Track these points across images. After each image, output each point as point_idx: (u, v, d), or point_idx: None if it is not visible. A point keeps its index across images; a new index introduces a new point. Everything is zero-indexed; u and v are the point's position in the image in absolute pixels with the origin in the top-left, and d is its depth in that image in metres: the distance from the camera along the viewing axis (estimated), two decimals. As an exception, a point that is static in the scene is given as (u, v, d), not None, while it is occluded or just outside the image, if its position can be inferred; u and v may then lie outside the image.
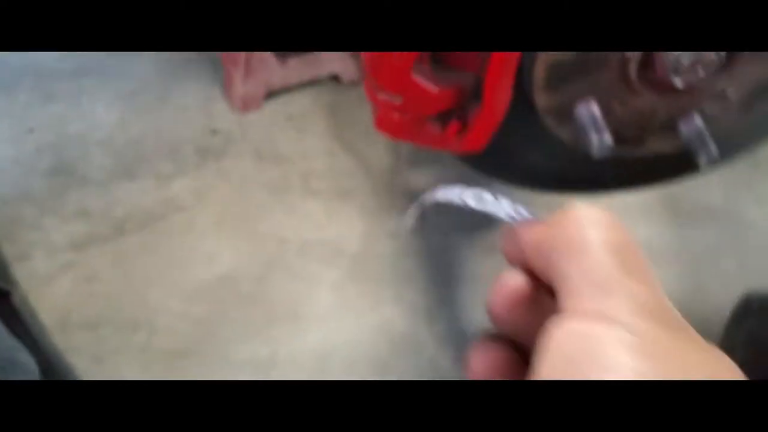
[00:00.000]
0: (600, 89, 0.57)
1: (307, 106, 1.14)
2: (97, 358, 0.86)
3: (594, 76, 0.56)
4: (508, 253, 0.24)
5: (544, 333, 0.20)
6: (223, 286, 0.94)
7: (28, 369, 0.60)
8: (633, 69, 0.56)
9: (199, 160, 1.06)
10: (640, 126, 0.60)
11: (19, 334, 0.62)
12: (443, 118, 0.57)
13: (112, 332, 0.88)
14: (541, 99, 0.56)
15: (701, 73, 0.55)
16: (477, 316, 0.95)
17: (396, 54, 0.50)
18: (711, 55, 0.55)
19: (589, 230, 0.21)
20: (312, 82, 1.16)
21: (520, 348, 0.24)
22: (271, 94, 1.13)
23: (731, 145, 0.65)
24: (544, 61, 0.55)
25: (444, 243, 1.01)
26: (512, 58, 0.54)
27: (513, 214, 0.25)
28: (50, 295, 0.89)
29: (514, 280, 0.23)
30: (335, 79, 1.17)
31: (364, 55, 0.53)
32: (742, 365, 0.19)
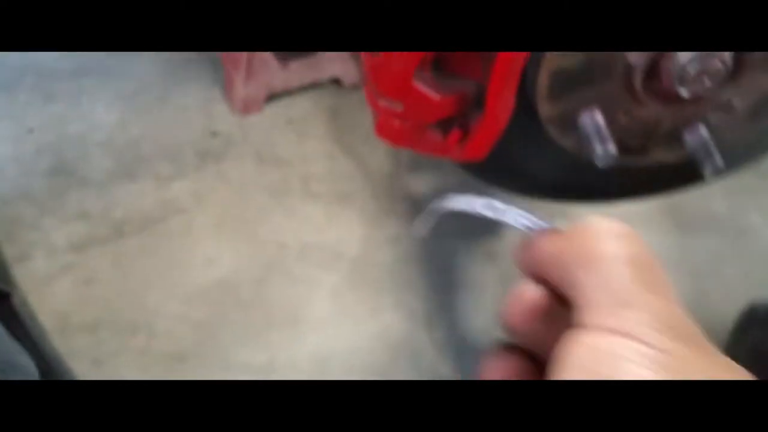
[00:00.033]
0: (604, 98, 0.56)
1: (307, 109, 1.14)
2: (96, 361, 0.85)
3: (598, 85, 0.55)
4: (523, 262, 0.24)
5: (562, 346, 0.19)
6: (222, 290, 0.93)
7: (27, 372, 0.59)
8: (638, 78, 0.55)
9: (199, 162, 1.05)
10: (645, 136, 0.59)
11: (18, 337, 0.62)
12: (444, 125, 0.56)
13: (111, 335, 0.88)
14: (545, 108, 0.56)
15: (707, 83, 0.55)
16: (477, 323, 0.95)
17: (397, 60, 0.50)
18: (717, 65, 0.54)
19: (608, 243, 0.21)
20: (313, 85, 1.15)
21: (534, 358, 0.24)
22: (272, 96, 1.13)
23: (737, 156, 0.64)
24: (548, 69, 0.54)
25: (444, 249, 1.00)
26: (516, 65, 0.53)
27: (527, 223, 0.25)
28: (50, 297, 0.89)
29: (531, 292, 0.23)
30: (336, 82, 1.16)
31: (365, 62, 0.52)
32: None
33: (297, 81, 1.12)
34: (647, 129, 0.59)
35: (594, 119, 0.55)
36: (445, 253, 1.00)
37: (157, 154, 1.05)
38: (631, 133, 0.58)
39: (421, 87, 0.51)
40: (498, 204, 0.26)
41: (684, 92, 0.55)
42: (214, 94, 1.13)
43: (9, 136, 1.04)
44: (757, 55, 0.56)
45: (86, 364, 0.84)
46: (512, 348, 0.24)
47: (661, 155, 0.61)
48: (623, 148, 0.57)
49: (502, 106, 0.54)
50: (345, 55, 1.12)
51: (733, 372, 0.19)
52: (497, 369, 0.24)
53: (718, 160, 0.57)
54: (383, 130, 0.55)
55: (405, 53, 0.49)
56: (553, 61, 0.54)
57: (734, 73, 0.56)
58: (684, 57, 0.54)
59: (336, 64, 1.13)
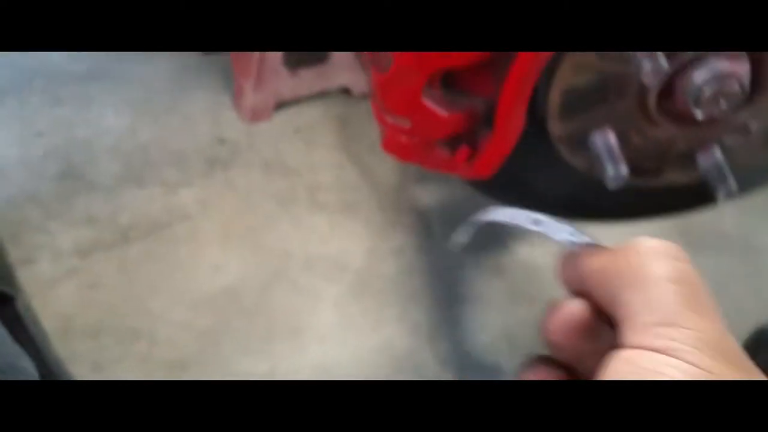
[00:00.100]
0: (617, 118, 0.55)
1: (316, 118, 1.14)
2: (97, 366, 0.85)
3: (611, 104, 0.54)
4: (566, 277, 0.24)
5: (607, 364, 0.19)
6: (225, 297, 0.93)
7: (28, 375, 0.59)
8: (652, 99, 0.54)
9: (207, 169, 1.05)
10: (658, 157, 0.58)
11: (20, 340, 0.62)
12: (453, 142, 0.56)
13: (113, 340, 0.87)
14: (556, 126, 0.55)
15: (723, 105, 0.54)
16: (481, 339, 0.94)
17: (406, 77, 0.49)
18: (734, 87, 0.53)
19: (655, 262, 0.21)
20: (322, 94, 1.15)
21: (571, 371, 0.24)
22: (281, 105, 1.12)
23: (751, 179, 0.63)
24: (559, 87, 0.53)
25: (449, 261, 0.99)
26: (527, 83, 0.52)
27: (571, 238, 0.25)
28: (53, 301, 0.89)
29: (572, 307, 0.23)
30: (346, 91, 1.16)
31: (373, 77, 0.52)
32: None
33: (306, 89, 1.12)
34: (660, 150, 0.58)
35: (606, 139, 0.55)
36: (450, 266, 0.99)
37: (165, 160, 1.04)
38: (644, 153, 0.58)
39: (430, 104, 0.51)
40: (542, 218, 0.26)
41: (699, 114, 0.54)
42: (223, 101, 1.13)
43: (17, 139, 1.04)
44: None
45: (87, 368, 0.84)
46: (549, 360, 0.24)
47: (674, 177, 0.60)
48: (635, 168, 0.56)
49: (512, 124, 0.53)
50: (354, 64, 1.12)
51: None
52: (534, 378, 0.24)
53: (732, 183, 0.56)
54: (390, 145, 0.55)
55: (414, 70, 0.49)
56: (566, 79, 0.53)
57: (751, 95, 0.55)
58: (699, 77, 0.53)
59: (345, 73, 1.13)
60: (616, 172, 0.54)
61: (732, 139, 0.58)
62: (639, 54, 0.48)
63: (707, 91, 0.53)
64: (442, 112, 0.52)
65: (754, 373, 0.19)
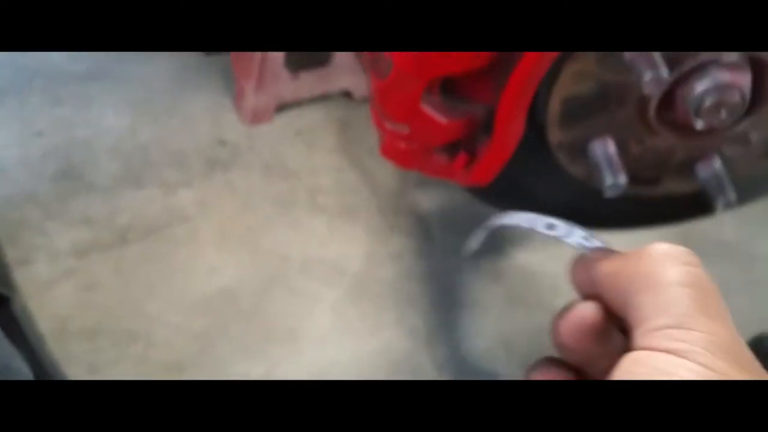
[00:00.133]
0: (617, 127, 0.55)
1: (317, 120, 1.13)
2: (92, 368, 0.85)
3: (611, 113, 0.54)
4: (577, 280, 0.25)
5: (619, 367, 0.20)
6: (223, 300, 0.93)
7: (22, 377, 0.59)
8: (652, 108, 0.54)
9: (206, 170, 1.05)
10: (657, 166, 0.58)
11: (15, 342, 0.62)
12: (451, 149, 0.56)
13: (109, 342, 0.87)
14: (555, 134, 0.55)
15: (724, 115, 0.54)
16: (479, 344, 0.93)
17: (405, 83, 0.49)
18: (735, 97, 0.53)
19: (667, 267, 0.21)
20: (323, 97, 1.15)
21: (580, 375, 0.24)
22: (282, 107, 1.12)
23: (751, 189, 0.63)
24: (559, 95, 0.53)
25: (448, 266, 0.99)
26: (527, 90, 0.52)
27: (585, 242, 0.25)
28: (49, 302, 0.89)
29: (586, 310, 0.23)
30: (347, 94, 1.16)
31: (373, 83, 0.52)
32: None
33: (307, 92, 1.12)
34: (660, 159, 0.58)
35: (605, 148, 0.54)
36: (449, 271, 0.99)
37: (165, 161, 1.04)
38: (643, 163, 0.57)
39: (429, 110, 0.50)
40: (556, 222, 0.26)
41: (699, 124, 0.53)
42: (224, 103, 1.13)
43: (17, 138, 1.04)
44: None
45: (82, 370, 0.84)
46: (558, 362, 0.24)
47: (673, 186, 0.60)
48: (634, 177, 0.56)
49: (511, 131, 0.53)
50: (356, 67, 1.12)
51: None
52: (543, 378, 0.24)
53: (731, 194, 0.56)
54: (389, 151, 0.55)
55: (413, 76, 0.48)
56: (566, 87, 0.53)
57: (752, 106, 0.55)
58: (700, 87, 0.53)
59: (347, 76, 1.13)
60: (614, 181, 0.54)
61: (732, 149, 0.58)
62: (640, 63, 0.48)
63: (708, 102, 0.52)
64: (441, 118, 0.52)
65: (765, 377, 0.19)
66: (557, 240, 0.26)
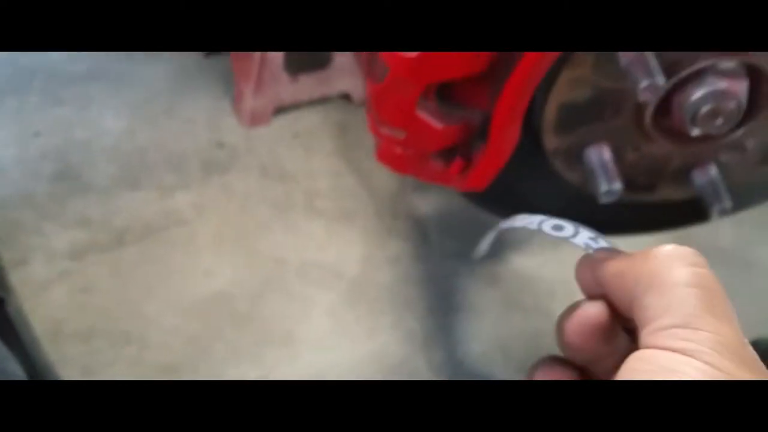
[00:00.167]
0: (613, 134, 0.55)
1: (315, 123, 1.13)
2: (87, 370, 0.85)
3: (607, 120, 0.54)
4: (583, 280, 0.25)
5: (626, 365, 0.20)
6: (219, 303, 0.92)
7: (15, 378, 0.59)
8: (648, 115, 0.54)
9: (204, 173, 1.05)
10: (653, 173, 0.58)
11: (9, 343, 0.62)
12: (447, 154, 0.56)
13: (104, 344, 0.87)
14: (551, 141, 0.55)
15: (719, 122, 0.54)
16: (475, 348, 0.93)
17: (400, 88, 0.49)
18: (731, 105, 0.53)
19: (674, 267, 0.21)
20: (322, 100, 1.15)
21: (584, 374, 0.24)
22: (281, 110, 1.12)
23: (747, 197, 0.63)
24: (555, 101, 0.53)
25: (445, 271, 0.99)
26: (523, 96, 0.52)
27: (592, 242, 0.25)
28: (45, 303, 0.89)
29: (592, 309, 0.23)
30: (346, 98, 1.16)
31: (368, 88, 0.52)
32: None
33: (306, 95, 1.12)
34: (656, 166, 0.58)
35: (601, 155, 0.54)
36: (446, 275, 0.99)
37: (163, 164, 1.04)
38: (639, 169, 0.57)
39: (424, 116, 0.50)
40: (563, 223, 0.26)
41: (695, 131, 0.53)
42: (223, 106, 1.13)
43: (15, 138, 1.04)
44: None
45: (77, 372, 0.83)
46: (561, 361, 0.24)
47: (669, 193, 0.60)
48: (630, 184, 0.56)
49: (506, 137, 0.53)
50: (355, 70, 1.12)
51: None
52: (547, 377, 0.24)
53: (727, 201, 0.56)
54: (384, 156, 0.55)
55: (409, 81, 0.48)
56: (562, 94, 0.53)
57: (748, 113, 0.55)
58: (697, 95, 0.53)
59: (346, 79, 1.13)
60: (609, 187, 0.54)
61: (728, 157, 0.58)
62: (636, 71, 0.48)
63: (704, 109, 0.52)
64: (436, 124, 0.52)
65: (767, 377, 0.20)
66: (565, 241, 0.26)
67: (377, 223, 1.03)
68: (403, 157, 0.54)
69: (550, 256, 0.99)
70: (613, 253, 0.25)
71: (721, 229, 1.05)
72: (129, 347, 0.87)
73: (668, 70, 0.50)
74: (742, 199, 0.61)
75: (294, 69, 1.08)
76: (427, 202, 1.06)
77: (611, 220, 0.67)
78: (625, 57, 0.49)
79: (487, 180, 0.56)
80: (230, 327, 0.91)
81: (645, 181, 0.59)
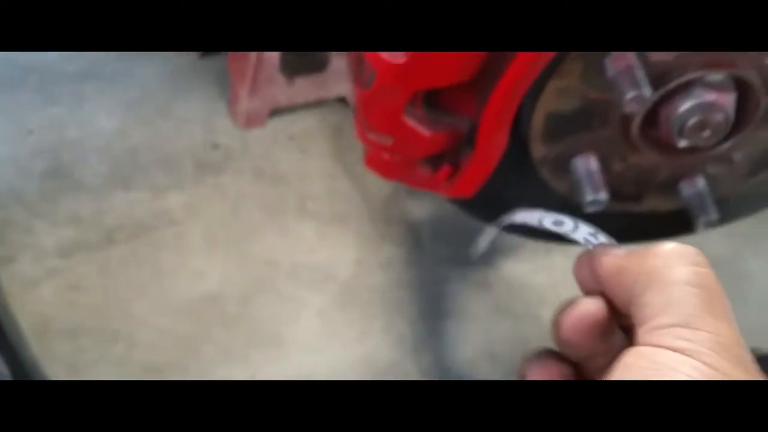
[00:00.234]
0: (600, 144, 0.55)
1: (311, 126, 1.13)
2: (73, 368, 0.85)
3: (594, 130, 0.54)
4: (581, 276, 0.25)
5: (622, 361, 0.20)
6: (208, 304, 0.92)
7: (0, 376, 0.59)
8: (636, 126, 0.54)
9: (197, 174, 1.05)
10: (640, 183, 0.58)
11: (-5, 341, 0.62)
12: (435, 160, 0.56)
13: (91, 342, 0.87)
14: (538, 149, 0.55)
15: (707, 134, 0.54)
16: (465, 353, 0.93)
17: (388, 95, 0.49)
18: (719, 117, 0.53)
19: (675, 266, 0.21)
20: (319, 103, 1.15)
21: (578, 370, 0.24)
22: (276, 112, 1.12)
23: (734, 209, 0.63)
24: (543, 110, 0.53)
25: (437, 276, 0.99)
26: (511, 104, 0.52)
27: (591, 239, 0.25)
28: (32, 301, 0.88)
29: (590, 305, 0.23)
30: (342, 101, 1.16)
31: (356, 94, 0.52)
32: None
33: (302, 98, 1.12)
34: (642, 177, 0.58)
35: (587, 165, 0.54)
36: (437, 281, 0.99)
37: (156, 164, 1.04)
38: (626, 180, 0.57)
39: (412, 122, 0.51)
40: (564, 218, 0.26)
41: (682, 143, 0.54)
42: (218, 107, 1.13)
43: (7, 136, 1.04)
44: (761, 109, 0.55)
45: (63, 370, 0.83)
46: (556, 355, 0.24)
47: (656, 203, 0.60)
48: (616, 194, 0.56)
49: (493, 144, 0.53)
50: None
51: None
52: (540, 374, 0.24)
53: (713, 213, 0.56)
54: (372, 162, 0.55)
55: (396, 88, 0.48)
56: (549, 103, 0.53)
57: (736, 126, 0.55)
58: (684, 107, 0.53)
59: (343, 82, 1.13)
60: (595, 197, 0.54)
61: (716, 168, 0.58)
62: (622, 82, 0.48)
63: (691, 121, 0.53)
64: (424, 131, 0.52)
65: (761, 378, 0.20)
66: (564, 236, 0.26)
67: (370, 227, 1.03)
68: (391, 163, 0.54)
69: (540, 263, 1.00)
70: (612, 249, 0.24)
71: (711, 240, 1.05)
72: (117, 346, 0.87)
73: (655, 82, 0.51)
74: (730, 212, 0.61)
75: (290, 71, 1.08)
76: (421, 208, 1.06)
77: (600, 229, 0.67)
78: (612, 68, 0.49)
79: (475, 187, 0.56)
80: (220, 328, 0.90)
81: (632, 192, 0.59)
